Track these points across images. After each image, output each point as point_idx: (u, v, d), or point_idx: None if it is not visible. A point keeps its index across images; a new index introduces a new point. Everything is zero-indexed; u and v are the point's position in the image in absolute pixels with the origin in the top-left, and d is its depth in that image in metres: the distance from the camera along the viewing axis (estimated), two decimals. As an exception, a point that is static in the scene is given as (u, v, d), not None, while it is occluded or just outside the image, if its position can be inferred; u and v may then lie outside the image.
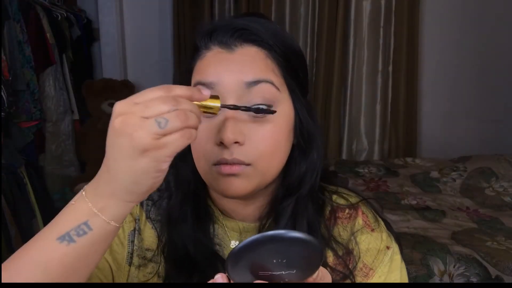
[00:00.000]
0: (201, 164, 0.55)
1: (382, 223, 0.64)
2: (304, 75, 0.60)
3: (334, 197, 0.64)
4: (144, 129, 0.38)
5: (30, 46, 2.07)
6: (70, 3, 2.77)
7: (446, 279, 1.43)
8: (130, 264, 0.60)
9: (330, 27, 2.67)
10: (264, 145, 0.53)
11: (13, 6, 1.98)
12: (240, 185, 0.53)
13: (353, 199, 0.65)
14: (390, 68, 2.72)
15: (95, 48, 2.94)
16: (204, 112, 0.45)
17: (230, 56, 0.54)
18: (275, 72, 0.55)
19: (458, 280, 1.42)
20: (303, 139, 0.58)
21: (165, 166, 0.40)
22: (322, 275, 0.43)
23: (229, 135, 0.51)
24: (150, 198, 0.63)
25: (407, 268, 1.49)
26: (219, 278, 0.42)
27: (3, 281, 0.41)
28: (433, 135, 2.85)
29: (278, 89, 0.54)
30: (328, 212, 0.62)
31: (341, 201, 0.64)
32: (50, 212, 2.05)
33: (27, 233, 1.75)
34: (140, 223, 0.62)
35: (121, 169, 0.40)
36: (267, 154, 0.54)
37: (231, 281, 0.42)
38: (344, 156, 2.79)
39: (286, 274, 0.41)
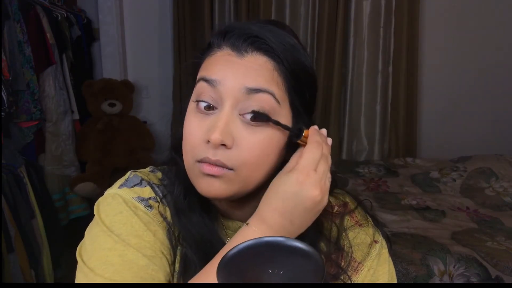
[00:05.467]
0: (187, 158, 0.55)
1: (370, 219, 0.65)
2: (311, 94, 0.59)
3: (329, 198, 0.65)
4: (327, 191, 0.52)
5: (30, 46, 2.07)
6: (70, 3, 2.76)
7: (446, 279, 1.43)
8: (174, 261, 0.58)
9: (330, 27, 2.67)
10: (250, 153, 0.53)
11: (13, 6, 1.98)
12: (218, 188, 0.53)
13: (342, 197, 0.66)
14: (390, 68, 2.72)
15: (95, 48, 2.94)
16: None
17: (238, 60, 0.54)
18: (279, 86, 0.54)
19: (458, 280, 1.42)
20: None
21: None
22: None
23: (217, 135, 0.51)
24: (163, 193, 0.61)
25: (407, 268, 1.49)
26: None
27: None
28: (433, 135, 2.86)
29: (278, 102, 0.54)
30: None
31: (331, 199, 0.65)
32: (50, 212, 2.05)
33: (27, 233, 1.75)
34: (169, 220, 0.60)
35: (309, 221, 0.52)
36: (251, 163, 0.53)
37: None
38: (344, 156, 2.79)
39: None
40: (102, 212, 0.57)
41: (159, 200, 0.59)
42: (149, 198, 0.59)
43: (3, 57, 1.82)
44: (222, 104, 0.53)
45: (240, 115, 0.53)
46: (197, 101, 0.54)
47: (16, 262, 1.65)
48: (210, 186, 0.53)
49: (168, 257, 0.56)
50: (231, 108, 0.52)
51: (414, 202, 1.99)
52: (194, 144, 0.53)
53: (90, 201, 2.47)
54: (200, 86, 0.54)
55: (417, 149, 2.80)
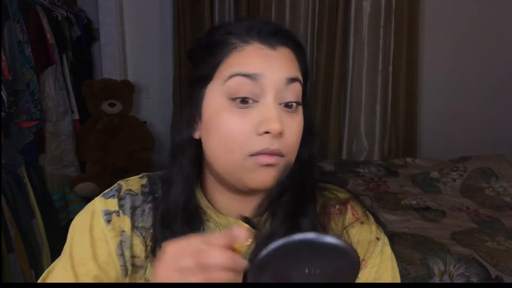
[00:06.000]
0: (234, 156, 0.54)
1: (371, 216, 0.66)
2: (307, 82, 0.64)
3: (325, 193, 0.66)
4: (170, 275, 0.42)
5: (30, 46, 2.07)
6: (70, 3, 2.76)
7: (446, 279, 1.43)
8: (126, 275, 0.61)
9: (330, 27, 2.67)
10: (294, 137, 0.56)
11: (13, 6, 1.98)
12: (274, 176, 0.55)
13: (342, 194, 0.67)
14: (390, 68, 2.72)
15: (95, 48, 2.94)
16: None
17: (272, 52, 0.56)
18: (300, 75, 0.59)
19: (458, 280, 1.42)
20: (308, 135, 0.61)
21: None
22: None
23: (278, 125, 0.52)
24: (133, 204, 0.63)
25: (406, 268, 1.49)
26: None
27: None
28: (433, 135, 2.85)
29: (302, 89, 0.58)
30: (318, 208, 0.63)
31: (331, 198, 0.66)
32: (50, 212, 2.05)
33: (27, 233, 1.75)
34: (126, 233, 0.62)
35: None
36: (294, 147, 0.57)
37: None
38: (344, 156, 2.79)
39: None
40: (78, 215, 0.65)
41: (121, 213, 0.62)
42: (114, 211, 0.62)
43: (3, 57, 1.82)
44: (264, 96, 0.54)
45: (279, 104, 0.55)
46: (235, 97, 0.54)
47: (16, 262, 1.65)
48: (268, 176, 0.54)
49: (114, 270, 0.60)
50: (274, 98, 0.54)
51: (414, 202, 1.99)
52: (243, 138, 0.54)
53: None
54: (237, 82, 0.54)
55: (417, 149, 2.80)
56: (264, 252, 0.36)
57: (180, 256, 0.41)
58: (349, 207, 0.65)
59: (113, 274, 0.60)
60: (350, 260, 0.36)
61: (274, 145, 0.53)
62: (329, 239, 0.35)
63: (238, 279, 0.40)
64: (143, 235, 0.62)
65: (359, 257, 0.38)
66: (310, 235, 0.36)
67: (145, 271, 0.60)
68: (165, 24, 2.90)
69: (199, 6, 2.71)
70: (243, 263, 0.40)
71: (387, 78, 2.73)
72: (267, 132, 0.53)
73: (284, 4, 2.70)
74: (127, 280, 0.61)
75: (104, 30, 2.82)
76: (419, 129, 2.82)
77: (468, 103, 2.80)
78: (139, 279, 0.61)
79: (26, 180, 1.83)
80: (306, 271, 0.36)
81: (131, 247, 0.61)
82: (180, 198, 0.59)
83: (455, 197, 2.07)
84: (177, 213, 0.59)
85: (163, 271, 0.42)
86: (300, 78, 0.58)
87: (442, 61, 2.79)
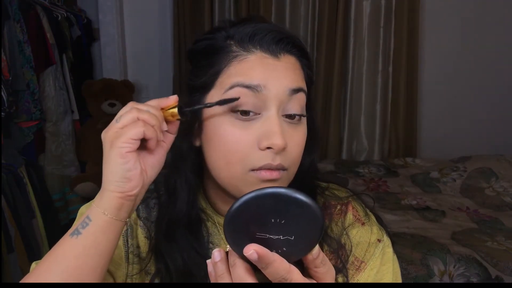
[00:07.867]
0: (235, 169, 0.53)
1: (372, 217, 0.65)
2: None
3: (326, 194, 0.65)
4: (110, 128, 0.48)
5: (30, 46, 2.07)
6: (70, 3, 2.76)
7: (446, 279, 1.43)
8: (128, 262, 0.62)
9: (330, 27, 2.67)
10: (297, 150, 0.55)
11: (13, 6, 1.98)
12: None
13: (344, 194, 0.66)
14: (390, 68, 2.72)
15: (95, 48, 2.94)
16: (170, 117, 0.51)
17: (276, 62, 0.54)
18: (305, 83, 0.57)
19: (458, 280, 1.42)
20: (311, 143, 0.60)
21: (125, 150, 0.47)
22: (325, 259, 0.42)
23: (282, 141, 0.51)
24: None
25: (406, 268, 1.49)
26: (216, 252, 0.43)
27: (36, 277, 0.48)
28: (433, 135, 2.85)
29: (307, 98, 0.57)
30: None
31: (333, 198, 0.65)
32: (50, 212, 2.05)
33: (27, 233, 1.75)
34: (131, 221, 0.63)
35: (104, 165, 0.48)
36: (298, 158, 0.55)
37: (228, 248, 0.43)
38: (344, 156, 2.79)
39: (283, 240, 0.40)
40: (85, 204, 0.63)
41: None
42: None
43: (3, 57, 1.82)
44: (267, 108, 0.53)
45: (282, 115, 0.54)
46: (236, 109, 0.52)
47: (16, 262, 1.65)
48: None
49: (119, 256, 0.61)
50: (277, 111, 0.53)
51: (414, 202, 1.99)
52: (244, 153, 0.52)
53: (90, 201, 2.47)
54: (238, 93, 0.52)
55: (417, 149, 2.80)
56: (237, 203, 0.40)
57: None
58: (350, 207, 0.64)
59: (116, 258, 0.60)
60: (313, 215, 0.39)
61: (277, 161, 0.52)
62: (299, 195, 0.39)
63: (160, 136, 0.49)
64: (147, 226, 0.62)
65: (322, 212, 0.40)
66: (281, 189, 0.39)
67: (147, 264, 0.61)
68: (165, 24, 2.90)
69: (199, 6, 2.71)
70: (165, 124, 0.50)
71: (387, 78, 2.73)
72: (269, 147, 0.51)
73: (284, 4, 2.70)
74: (131, 270, 0.61)
75: (104, 30, 2.82)
76: (419, 129, 2.82)
77: (468, 103, 2.80)
78: (141, 271, 0.61)
79: (26, 180, 1.83)
80: (272, 221, 0.40)
81: (136, 237, 0.63)
82: (185, 206, 0.59)
83: (455, 197, 2.07)
84: (181, 218, 0.59)
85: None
86: (305, 87, 0.55)
87: (442, 61, 2.79)
